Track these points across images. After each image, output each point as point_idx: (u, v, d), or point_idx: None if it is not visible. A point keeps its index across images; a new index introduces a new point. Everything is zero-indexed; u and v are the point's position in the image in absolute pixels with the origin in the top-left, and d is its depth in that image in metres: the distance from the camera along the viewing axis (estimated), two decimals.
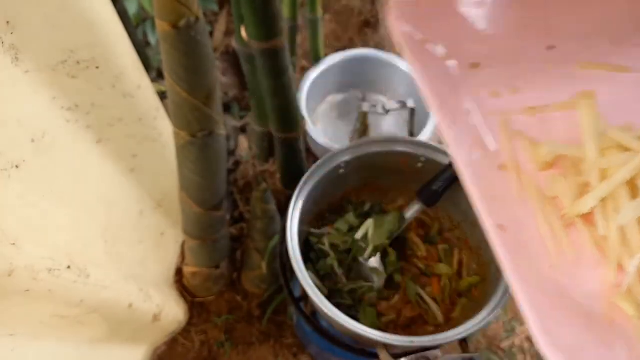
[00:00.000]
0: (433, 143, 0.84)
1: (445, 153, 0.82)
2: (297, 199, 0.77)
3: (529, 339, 1.23)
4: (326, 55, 1.42)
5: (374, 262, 0.84)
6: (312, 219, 0.90)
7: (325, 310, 0.68)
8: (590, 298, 0.43)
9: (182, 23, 0.57)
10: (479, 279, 0.83)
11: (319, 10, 1.28)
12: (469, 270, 0.88)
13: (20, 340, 0.62)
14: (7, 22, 0.52)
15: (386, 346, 0.67)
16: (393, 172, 0.89)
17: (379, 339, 0.66)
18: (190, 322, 1.13)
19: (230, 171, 1.33)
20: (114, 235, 0.82)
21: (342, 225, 0.89)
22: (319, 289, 0.77)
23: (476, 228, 0.85)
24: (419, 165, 0.85)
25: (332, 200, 0.91)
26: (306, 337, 1.07)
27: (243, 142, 1.42)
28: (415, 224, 0.93)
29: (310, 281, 0.70)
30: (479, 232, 0.83)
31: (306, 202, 0.79)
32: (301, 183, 0.78)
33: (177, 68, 0.63)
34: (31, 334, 0.64)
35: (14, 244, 0.52)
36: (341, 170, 0.84)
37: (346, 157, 0.83)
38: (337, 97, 1.51)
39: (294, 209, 0.76)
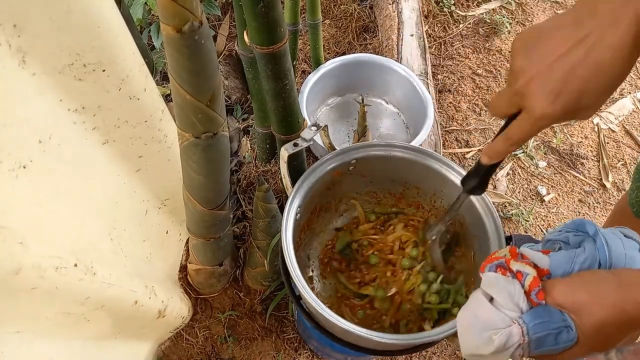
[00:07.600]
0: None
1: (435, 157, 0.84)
2: (292, 199, 0.77)
3: None
4: (326, 59, 1.43)
5: None
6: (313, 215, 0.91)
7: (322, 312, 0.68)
8: None
9: (186, 27, 0.57)
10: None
11: (319, 16, 1.29)
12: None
13: (26, 337, 0.62)
14: (14, 26, 0.52)
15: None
16: None
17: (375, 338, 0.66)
18: (194, 318, 1.14)
19: (234, 171, 1.35)
20: (119, 233, 0.82)
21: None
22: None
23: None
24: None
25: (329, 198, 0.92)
26: (307, 332, 1.09)
27: (245, 143, 1.43)
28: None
29: (299, 273, 0.70)
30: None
31: (307, 202, 0.80)
32: (297, 185, 0.79)
33: (182, 71, 0.63)
34: (37, 331, 0.64)
35: (21, 242, 0.52)
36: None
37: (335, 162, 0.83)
38: (336, 100, 1.52)
39: (290, 207, 0.77)
